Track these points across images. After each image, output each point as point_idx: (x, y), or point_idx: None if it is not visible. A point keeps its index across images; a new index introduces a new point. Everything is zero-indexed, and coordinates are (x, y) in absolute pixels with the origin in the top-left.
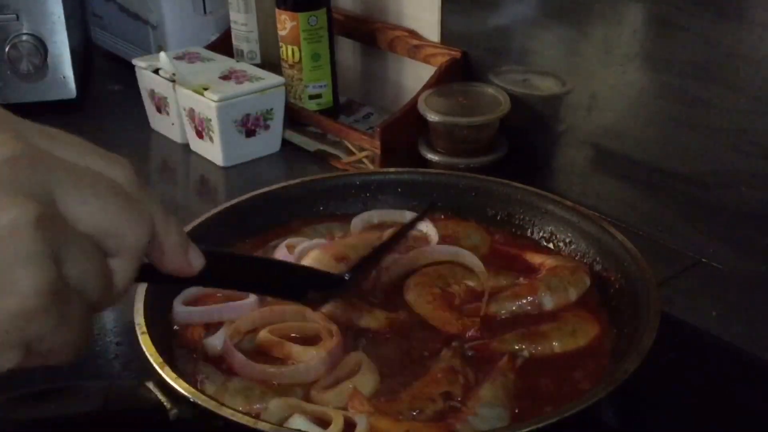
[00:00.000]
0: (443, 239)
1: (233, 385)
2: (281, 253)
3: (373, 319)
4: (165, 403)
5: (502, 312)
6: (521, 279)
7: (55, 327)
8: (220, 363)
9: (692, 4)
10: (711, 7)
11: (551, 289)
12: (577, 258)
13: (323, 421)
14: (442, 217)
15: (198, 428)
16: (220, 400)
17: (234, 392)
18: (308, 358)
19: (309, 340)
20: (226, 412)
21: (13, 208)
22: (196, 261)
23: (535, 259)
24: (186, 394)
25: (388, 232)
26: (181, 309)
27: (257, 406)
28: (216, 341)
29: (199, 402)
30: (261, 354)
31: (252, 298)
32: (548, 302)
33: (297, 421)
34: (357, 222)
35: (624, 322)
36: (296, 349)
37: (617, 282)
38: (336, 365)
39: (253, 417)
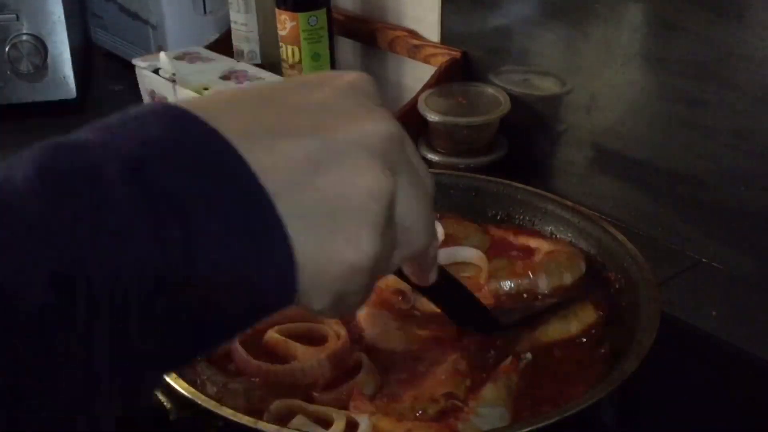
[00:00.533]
0: (445, 242)
1: (234, 386)
2: None
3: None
4: (165, 403)
5: (501, 290)
6: (518, 262)
7: (361, 291)
8: (223, 365)
9: (692, 4)
10: (711, 7)
11: (547, 272)
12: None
13: (325, 422)
14: (438, 216)
15: (198, 428)
16: (221, 401)
17: (235, 394)
18: (307, 359)
19: (317, 341)
20: (226, 413)
21: (383, 179)
22: (433, 277)
23: (532, 243)
24: (186, 394)
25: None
26: None
27: (257, 407)
28: None
29: (199, 402)
30: (268, 354)
31: None
32: (544, 285)
33: (299, 422)
34: None
35: (624, 322)
36: (301, 350)
37: (617, 282)
38: (337, 368)
39: (254, 418)
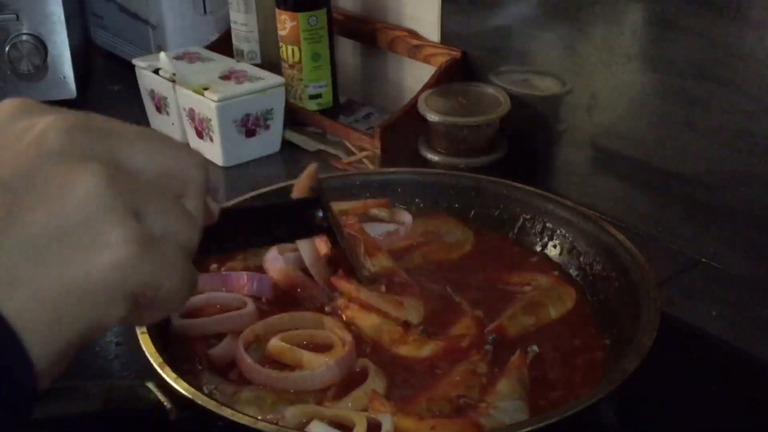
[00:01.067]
0: (424, 235)
1: (245, 395)
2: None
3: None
4: (165, 403)
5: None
6: None
7: (154, 273)
8: (226, 373)
9: (692, 4)
10: (711, 7)
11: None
12: (576, 258)
13: (343, 426)
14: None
15: (198, 428)
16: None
17: (246, 402)
18: (316, 366)
19: (322, 348)
20: (226, 412)
21: (85, 173)
22: (215, 210)
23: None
24: (186, 394)
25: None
26: (179, 323)
27: (270, 416)
28: (220, 351)
29: (199, 402)
30: (273, 362)
31: (250, 307)
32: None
33: (317, 427)
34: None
35: (624, 322)
36: (307, 357)
37: (617, 282)
38: (345, 374)
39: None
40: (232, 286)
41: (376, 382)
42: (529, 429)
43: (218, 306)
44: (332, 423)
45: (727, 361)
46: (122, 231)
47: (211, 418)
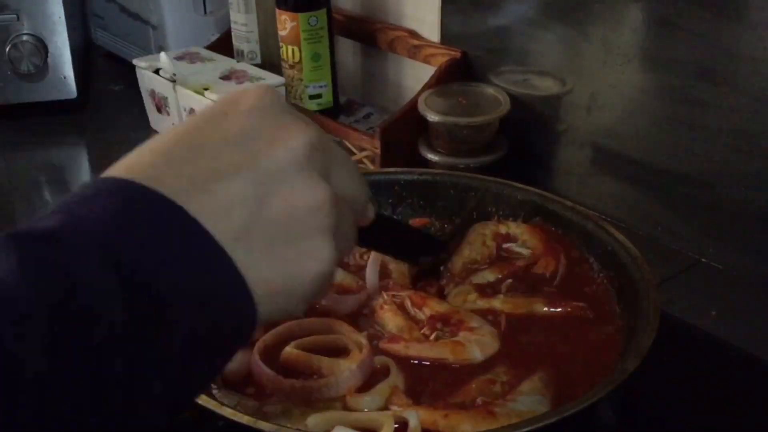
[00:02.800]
0: None
1: (271, 409)
2: None
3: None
4: None
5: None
6: None
7: (331, 281)
8: (242, 388)
9: (692, 4)
10: (711, 7)
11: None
12: (576, 257)
13: (368, 429)
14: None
15: (198, 428)
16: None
17: (274, 417)
18: (339, 372)
19: (335, 352)
20: (226, 412)
21: (320, 189)
22: (371, 212)
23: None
24: None
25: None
26: None
27: (301, 426)
28: (236, 366)
29: (199, 402)
30: (286, 370)
31: None
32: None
33: (340, 431)
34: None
35: (624, 323)
36: (326, 363)
37: (617, 282)
38: (367, 377)
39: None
40: None
41: (398, 379)
42: (529, 429)
43: None
44: (356, 427)
45: (727, 361)
46: (330, 251)
47: (211, 418)
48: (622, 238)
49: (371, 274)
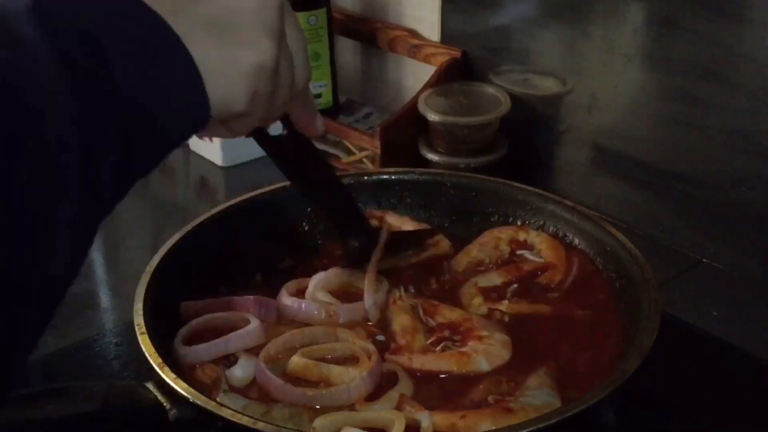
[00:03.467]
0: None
1: (279, 413)
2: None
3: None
4: (165, 403)
5: None
6: None
7: (271, 93)
8: (245, 394)
9: (692, 4)
10: (711, 7)
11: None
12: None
13: (376, 430)
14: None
15: (198, 428)
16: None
17: (282, 420)
18: (349, 380)
19: (342, 361)
20: (225, 413)
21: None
22: (321, 125)
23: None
24: (185, 394)
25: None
26: (185, 351)
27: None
28: (239, 371)
29: (199, 402)
30: (295, 379)
31: (254, 324)
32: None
33: None
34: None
35: (624, 323)
36: (335, 371)
37: (617, 282)
38: (377, 384)
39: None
40: (238, 310)
41: (405, 386)
42: (529, 429)
43: (216, 331)
44: (365, 427)
45: (727, 361)
46: (271, 47)
47: (211, 418)
48: (622, 238)
49: (368, 296)
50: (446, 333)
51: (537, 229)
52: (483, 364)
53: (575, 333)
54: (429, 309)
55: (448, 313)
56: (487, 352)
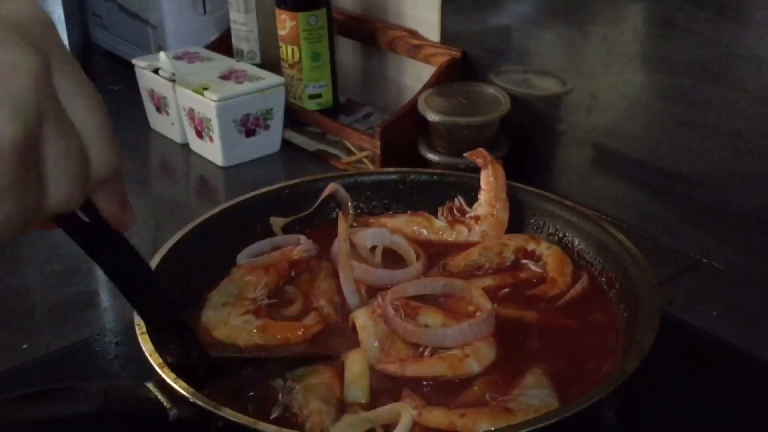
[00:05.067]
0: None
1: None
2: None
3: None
4: (165, 403)
5: None
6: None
7: (8, 187)
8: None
9: (692, 4)
10: (711, 7)
11: None
12: (576, 257)
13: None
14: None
15: (198, 428)
16: None
17: None
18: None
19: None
20: (226, 413)
21: (20, 53)
22: (131, 220)
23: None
24: (186, 394)
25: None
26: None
27: None
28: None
29: (199, 402)
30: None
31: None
32: None
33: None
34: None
35: (624, 323)
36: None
37: (617, 282)
38: (478, 338)
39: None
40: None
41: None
42: (529, 429)
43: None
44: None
45: (727, 361)
46: (12, 124)
47: (211, 418)
48: (622, 238)
49: (349, 293)
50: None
51: (551, 242)
52: (474, 366)
53: (560, 340)
54: (410, 311)
55: (431, 315)
56: (476, 353)
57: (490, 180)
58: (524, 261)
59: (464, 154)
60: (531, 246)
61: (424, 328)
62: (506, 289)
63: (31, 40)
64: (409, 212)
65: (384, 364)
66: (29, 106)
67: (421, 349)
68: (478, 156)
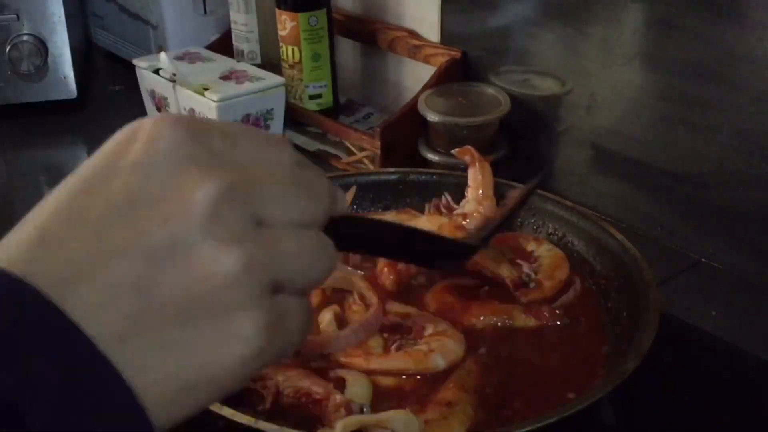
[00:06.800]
0: None
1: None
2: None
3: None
4: None
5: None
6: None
7: (281, 352)
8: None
9: (692, 4)
10: (711, 7)
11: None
12: (576, 257)
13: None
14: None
15: (198, 428)
16: None
17: None
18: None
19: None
20: (226, 413)
21: (231, 255)
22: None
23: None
24: None
25: (512, 198)
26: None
27: None
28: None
29: None
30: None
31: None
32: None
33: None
34: None
35: (624, 323)
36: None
37: (617, 282)
38: (370, 336)
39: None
40: None
41: (357, 389)
42: (529, 429)
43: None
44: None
45: (727, 361)
46: (256, 320)
47: (211, 418)
48: (622, 238)
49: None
50: (398, 337)
51: (555, 245)
52: (439, 361)
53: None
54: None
55: (400, 309)
56: (442, 348)
57: (477, 177)
58: (519, 261)
59: (452, 151)
60: (530, 246)
61: (315, 336)
62: (486, 287)
63: (230, 229)
64: (395, 210)
65: (350, 357)
66: (260, 293)
67: (390, 344)
68: (466, 153)
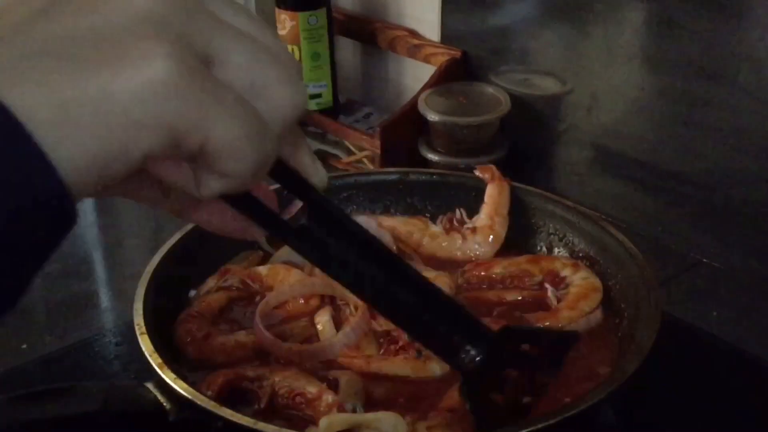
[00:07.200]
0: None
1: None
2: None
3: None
4: (164, 404)
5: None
6: None
7: (200, 108)
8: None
9: (692, 4)
10: (711, 7)
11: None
12: (576, 257)
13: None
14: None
15: (198, 428)
16: None
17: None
18: (331, 336)
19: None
20: (225, 413)
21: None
22: (322, 178)
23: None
24: (185, 394)
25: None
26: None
27: None
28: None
29: (199, 402)
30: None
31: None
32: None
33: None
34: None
35: (624, 323)
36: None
37: (617, 282)
38: (360, 338)
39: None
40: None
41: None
42: (529, 429)
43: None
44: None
45: (727, 361)
46: (169, 48)
47: (211, 418)
48: (622, 238)
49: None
50: (394, 346)
51: (593, 273)
52: (435, 369)
53: None
54: (374, 313)
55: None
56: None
57: (494, 195)
58: (546, 285)
59: (474, 169)
60: (565, 272)
61: (306, 345)
62: (501, 308)
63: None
64: (408, 216)
65: (349, 358)
66: (177, 29)
67: (391, 347)
68: (487, 172)
